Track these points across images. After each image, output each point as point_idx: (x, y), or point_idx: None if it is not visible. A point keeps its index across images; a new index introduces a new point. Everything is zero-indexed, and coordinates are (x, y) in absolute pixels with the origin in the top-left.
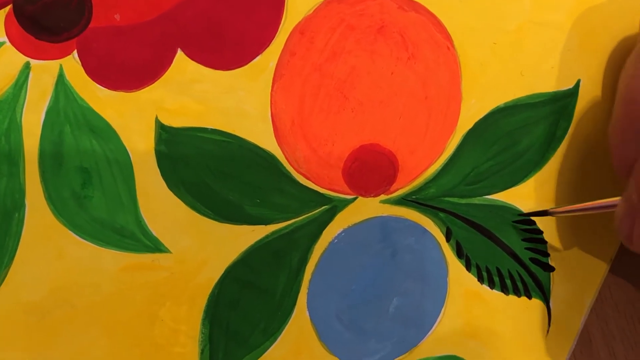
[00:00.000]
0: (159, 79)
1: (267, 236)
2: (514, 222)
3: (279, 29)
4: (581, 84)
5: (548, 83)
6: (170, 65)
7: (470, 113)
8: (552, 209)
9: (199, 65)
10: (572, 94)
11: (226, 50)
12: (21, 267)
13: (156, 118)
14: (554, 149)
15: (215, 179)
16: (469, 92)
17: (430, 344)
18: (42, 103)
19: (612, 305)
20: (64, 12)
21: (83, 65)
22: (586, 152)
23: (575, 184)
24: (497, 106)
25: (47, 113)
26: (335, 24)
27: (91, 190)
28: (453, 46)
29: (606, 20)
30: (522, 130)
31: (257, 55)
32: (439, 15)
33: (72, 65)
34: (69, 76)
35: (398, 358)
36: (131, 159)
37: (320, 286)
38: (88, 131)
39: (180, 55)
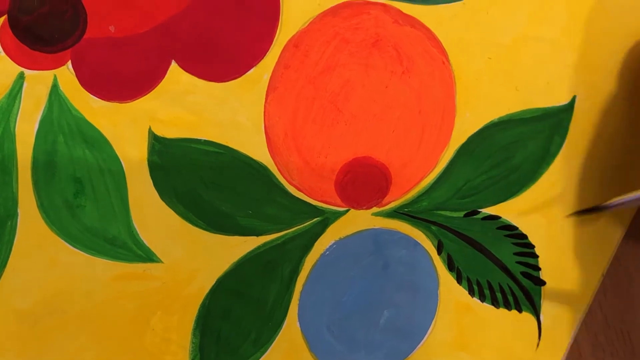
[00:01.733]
0: (152, 90)
1: (258, 247)
2: (505, 235)
3: (274, 42)
4: (577, 100)
5: (543, 98)
6: (164, 77)
7: (464, 127)
8: (603, 203)
9: (192, 76)
10: (567, 110)
11: (220, 62)
12: (13, 275)
13: (149, 129)
14: (548, 165)
15: (207, 189)
16: (464, 106)
17: (420, 355)
18: (36, 113)
19: (601, 319)
20: (58, 23)
21: (77, 75)
22: (579, 168)
23: (568, 199)
24: (491, 120)
25: (41, 123)
26: (329, 37)
27: (84, 199)
28: (448, 60)
29: (603, 37)
30: (516, 145)
31: (251, 68)
32: (434, 30)
33: (66, 75)
34: (63, 86)
35: None
36: (124, 168)
37: (311, 297)
38: (81, 141)
39: (174, 66)
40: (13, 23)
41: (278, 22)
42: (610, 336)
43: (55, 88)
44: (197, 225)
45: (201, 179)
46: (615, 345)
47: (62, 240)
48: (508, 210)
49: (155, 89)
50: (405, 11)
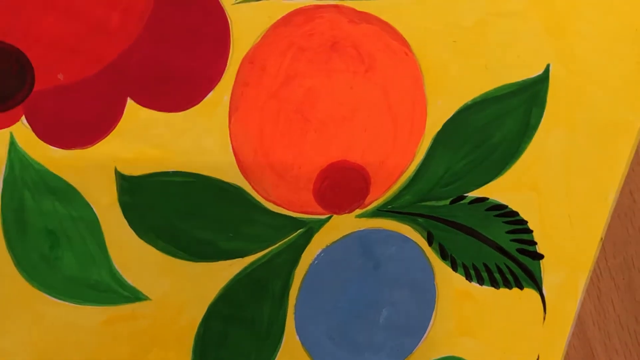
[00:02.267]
0: (112, 130)
1: (245, 268)
2: (495, 215)
3: (228, 62)
4: (551, 68)
5: (515, 72)
6: (121, 116)
7: (438, 115)
8: None
9: (151, 110)
10: (542, 80)
11: (176, 91)
12: (0, 337)
13: (115, 169)
14: (530, 137)
15: (184, 220)
16: (434, 94)
17: (425, 349)
18: None
19: (615, 320)
20: (5, 80)
21: (33, 129)
22: (564, 136)
23: (557, 168)
24: (465, 104)
25: (5, 182)
26: (284, 47)
27: (60, 251)
28: (411, 51)
29: (571, 1)
30: (494, 124)
31: (209, 92)
32: (392, 23)
33: (22, 130)
34: (20, 142)
35: None
36: (96, 214)
37: (306, 309)
38: (48, 193)
39: (130, 103)
40: None
41: (229, 41)
42: (624, 337)
43: (13, 145)
44: (179, 257)
45: (176, 211)
46: (628, 346)
47: (45, 294)
48: (495, 190)
49: (115, 129)
50: (359, 9)
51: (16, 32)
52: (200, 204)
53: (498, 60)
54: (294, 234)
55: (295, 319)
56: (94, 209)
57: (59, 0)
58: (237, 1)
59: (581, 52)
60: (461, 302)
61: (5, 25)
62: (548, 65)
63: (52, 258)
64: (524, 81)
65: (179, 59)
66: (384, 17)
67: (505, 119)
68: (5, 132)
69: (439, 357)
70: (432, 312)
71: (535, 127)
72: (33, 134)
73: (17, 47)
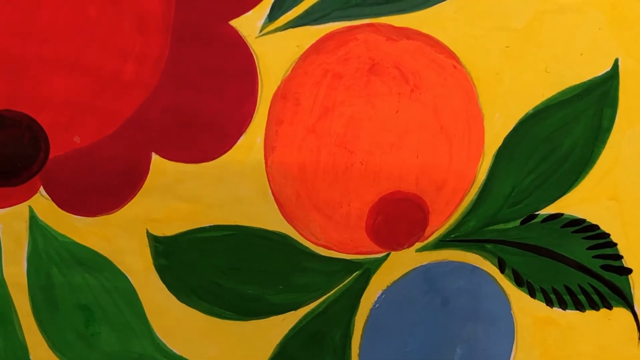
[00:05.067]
0: (139, 190)
1: (300, 321)
2: (573, 232)
3: (258, 100)
4: (620, 62)
5: (580, 72)
6: (147, 173)
7: (496, 129)
8: None
9: (178, 163)
10: (611, 77)
11: (204, 139)
12: None
13: (147, 231)
14: (604, 142)
15: (227, 277)
16: (490, 107)
17: None
18: (21, 251)
19: None
20: (17, 150)
21: (53, 199)
22: None
23: (638, 171)
24: (526, 113)
25: (29, 260)
26: (319, 77)
27: (97, 326)
28: (460, 63)
29: None
30: (561, 132)
31: (241, 135)
32: (435, 35)
33: (41, 203)
34: (41, 215)
35: None
36: (131, 282)
37: (372, 358)
38: (77, 266)
39: (156, 158)
40: None
41: (257, 77)
42: None
43: (33, 219)
44: (226, 318)
45: (217, 268)
46: None
47: None
48: (570, 204)
49: (142, 188)
50: (397, 24)
51: (23, 97)
52: (243, 258)
53: (558, 61)
54: (349, 278)
55: None
56: (129, 277)
57: (65, 55)
58: (261, 33)
59: None
60: (544, 330)
61: (10, 91)
62: (616, 60)
63: (89, 335)
64: (590, 81)
65: (204, 104)
66: (425, 30)
67: (574, 124)
68: (24, 206)
69: None
70: (512, 345)
71: (608, 130)
72: (54, 204)
73: (26, 113)
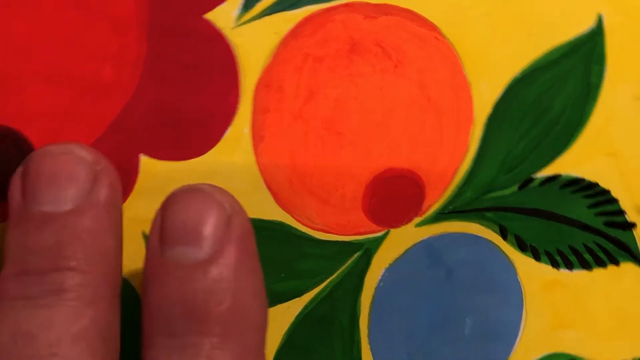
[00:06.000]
0: (131, 192)
1: (305, 307)
2: (573, 192)
3: (240, 91)
4: (604, 18)
5: (563, 32)
6: (137, 175)
7: (485, 98)
8: None
9: (168, 162)
10: (596, 33)
11: (191, 135)
12: None
13: (143, 233)
14: (595, 98)
15: None
16: (476, 76)
17: (522, 351)
18: None
19: None
20: (3, 165)
21: None
22: (635, 89)
23: (633, 124)
24: (513, 78)
25: None
26: (299, 62)
27: None
28: (442, 35)
29: None
30: (551, 93)
31: (227, 128)
32: (414, 8)
33: None
34: None
35: None
36: (132, 284)
37: (381, 336)
38: None
39: (144, 159)
40: None
41: (237, 68)
42: None
43: None
44: None
45: None
46: None
47: None
48: (566, 165)
49: (134, 190)
50: (374, 1)
51: (4, 111)
52: None
53: (541, 23)
54: (351, 259)
55: (372, 349)
56: (129, 281)
57: (43, 66)
58: (237, 24)
59: None
60: (552, 293)
61: None
62: (600, 16)
63: None
64: (575, 39)
65: (187, 100)
66: (404, 5)
67: (563, 84)
68: None
69: (539, 357)
70: (522, 310)
71: (598, 86)
72: None
73: (9, 126)
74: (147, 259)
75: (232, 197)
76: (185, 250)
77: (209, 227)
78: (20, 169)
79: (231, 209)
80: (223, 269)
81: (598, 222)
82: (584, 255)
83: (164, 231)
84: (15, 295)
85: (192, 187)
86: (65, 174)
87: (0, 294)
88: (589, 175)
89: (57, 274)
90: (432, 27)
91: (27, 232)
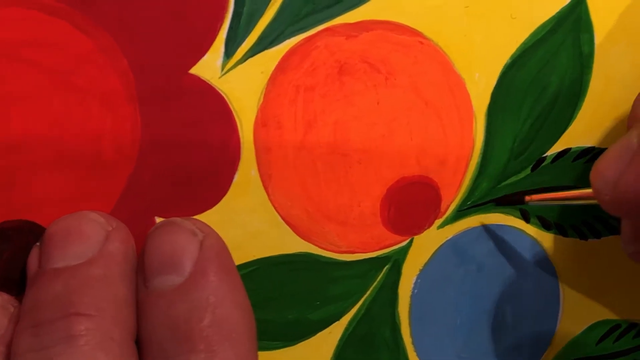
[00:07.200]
0: None
1: (346, 329)
2: (586, 162)
3: (240, 135)
4: None
5: (546, 9)
6: None
7: (481, 89)
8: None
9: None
10: (578, 3)
11: (200, 189)
12: None
13: None
14: (590, 66)
15: (264, 310)
16: (467, 69)
17: (567, 325)
18: None
19: None
20: (26, 257)
21: None
22: (628, 49)
23: (629, 82)
24: (505, 65)
25: None
26: (292, 95)
27: None
28: (425, 37)
29: None
30: (545, 70)
31: (234, 174)
32: (393, 18)
33: None
34: None
35: (543, 356)
36: None
37: (426, 342)
38: None
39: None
40: None
41: (232, 115)
42: None
43: None
44: (275, 348)
45: (252, 305)
46: None
47: None
48: (574, 137)
49: None
50: (352, 20)
51: (16, 205)
52: (273, 288)
53: (521, 4)
54: (381, 274)
55: (419, 355)
56: None
57: (45, 155)
58: (223, 72)
59: None
60: (584, 264)
61: (3, 204)
62: None
63: None
64: (558, 13)
65: (190, 156)
66: (382, 17)
67: (555, 59)
68: None
69: (583, 328)
70: (559, 288)
71: (591, 54)
72: None
73: (24, 219)
74: (137, 297)
75: (202, 222)
76: (165, 279)
77: (183, 253)
78: (37, 244)
79: (202, 233)
80: (200, 289)
81: None
82: (609, 220)
83: (145, 266)
84: (27, 348)
85: (164, 222)
86: (77, 234)
87: (14, 348)
88: (599, 142)
89: (66, 320)
90: (414, 33)
91: (39, 288)
